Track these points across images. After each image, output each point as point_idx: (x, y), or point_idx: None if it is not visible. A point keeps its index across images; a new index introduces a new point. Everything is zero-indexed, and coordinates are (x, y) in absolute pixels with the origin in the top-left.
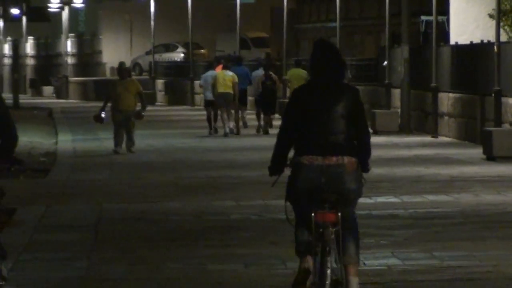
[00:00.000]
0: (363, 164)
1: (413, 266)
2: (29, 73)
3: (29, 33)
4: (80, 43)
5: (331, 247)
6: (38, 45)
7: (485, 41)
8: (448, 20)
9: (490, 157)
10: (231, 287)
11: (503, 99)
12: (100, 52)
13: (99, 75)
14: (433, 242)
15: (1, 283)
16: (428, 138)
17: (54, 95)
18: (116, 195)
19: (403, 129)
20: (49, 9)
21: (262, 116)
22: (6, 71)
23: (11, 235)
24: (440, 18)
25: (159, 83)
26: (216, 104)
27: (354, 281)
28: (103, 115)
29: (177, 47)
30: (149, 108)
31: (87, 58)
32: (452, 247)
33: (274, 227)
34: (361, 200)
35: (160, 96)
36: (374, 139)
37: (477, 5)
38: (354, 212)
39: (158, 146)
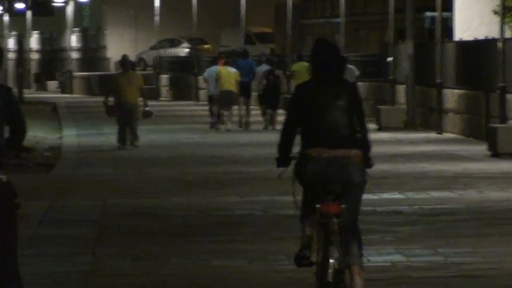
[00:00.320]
0: (367, 159)
1: (417, 262)
2: (33, 68)
3: (33, 27)
4: (85, 38)
5: (334, 237)
6: (42, 40)
7: (490, 37)
8: (452, 16)
9: (495, 154)
10: (236, 283)
11: (508, 96)
12: (104, 47)
13: (104, 70)
14: (437, 238)
15: None
16: (432, 135)
17: (58, 89)
18: (120, 190)
19: (408, 125)
20: (53, 4)
21: (267, 111)
22: (11, 66)
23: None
24: (444, 14)
25: (164, 78)
26: (219, 101)
27: (358, 281)
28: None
29: (181, 42)
30: (153, 103)
31: (92, 53)
32: (456, 243)
33: (279, 223)
34: (366, 196)
35: (165, 91)
36: (379, 135)
37: (482, 1)
38: (358, 214)
39: (162, 141)
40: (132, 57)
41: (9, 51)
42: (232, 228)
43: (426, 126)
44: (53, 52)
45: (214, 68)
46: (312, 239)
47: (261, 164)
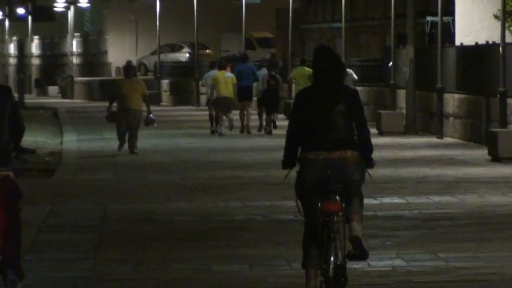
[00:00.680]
0: (367, 161)
1: (417, 267)
2: (34, 73)
3: (34, 32)
4: (86, 43)
5: (336, 234)
6: (43, 45)
7: (491, 42)
8: (453, 21)
9: (495, 158)
10: None
11: (509, 100)
12: (105, 52)
13: (105, 75)
14: (438, 243)
15: None
16: (433, 139)
17: (59, 95)
18: (121, 195)
19: (408, 130)
20: (54, 9)
21: (264, 116)
22: (12, 71)
23: None
24: (445, 19)
25: (165, 83)
26: (217, 106)
27: (356, 226)
28: (114, 114)
29: (182, 47)
30: (154, 108)
31: (93, 58)
32: (457, 248)
33: (280, 228)
34: (366, 201)
35: (165, 96)
36: (380, 140)
37: (483, 6)
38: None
39: (163, 146)
40: (133, 62)
41: (10, 56)
42: (233, 233)
43: (426, 130)
44: (53, 57)
45: (212, 73)
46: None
47: (261, 169)
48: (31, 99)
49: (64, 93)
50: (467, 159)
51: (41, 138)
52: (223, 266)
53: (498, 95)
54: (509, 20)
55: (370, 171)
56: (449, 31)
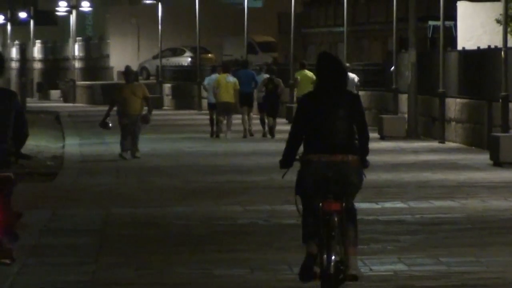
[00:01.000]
0: (362, 161)
1: (419, 271)
2: (36, 77)
3: (36, 36)
4: (88, 47)
5: (336, 232)
6: (45, 49)
7: (492, 46)
8: (455, 25)
9: (497, 163)
10: None
11: (511, 105)
12: (107, 56)
13: (107, 79)
14: (439, 247)
15: (9, 262)
16: (435, 144)
17: (61, 99)
18: (122, 200)
19: (410, 135)
20: (56, 13)
21: (266, 121)
22: (14, 75)
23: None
24: (447, 23)
25: (166, 87)
26: (217, 110)
27: (353, 260)
28: (109, 123)
29: (184, 52)
30: (156, 112)
31: (95, 62)
32: (459, 253)
33: (281, 232)
34: (368, 205)
35: (167, 100)
36: (381, 144)
37: (484, 11)
38: (353, 204)
39: (165, 150)
40: (135, 66)
41: (12, 60)
42: (234, 237)
43: (428, 135)
44: (55, 61)
45: (214, 77)
46: (315, 257)
47: (263, 173)
48: (33, 103)
49: (66, 97)
50: (469, 163)
51: (43, 142)
52: (224, 270)
53: (500, 100)
54: (511, 24)
55: (365, 171)
56: (451, 36)
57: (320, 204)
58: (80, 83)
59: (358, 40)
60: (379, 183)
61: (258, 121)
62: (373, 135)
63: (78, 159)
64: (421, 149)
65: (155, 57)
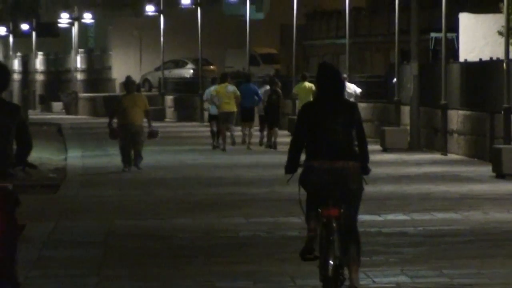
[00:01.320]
0: (364, 168)
1: (422, 283)
2: (38, 89)
3: (38, 48)
4: (90, 59)
5: (334, 237)
6: (47, 61)
7: (494, 58)
8: (457, 37)
9: (500, 175)
10: None
11: None
12: (109, 68)
13: (109, 91)
14: (442, 259)
15: None
16: (437, 156)
17: (63, 111)
18: (125, 212)
19: (413, 147)
20: (58, 25)
21: (265, 132)
22: (16, 87)
23: (20, 251)
24: (449, 35)
25: (169, 99)
26: (218, 121)
27: (356, 278)
28: (115, 129)
29: (186, 63)
30: (158, 124)
31: (97, 74)
32: (461, 265)
33: (283, 244)
34: (370, 217)
35: (170, 112)
36: (384, 156)
37: (486, 23)
38: (356, 218)
39: (167, 162)
40: (137, 78)
41: (14, 72)
42: (236, 250)
43: (431, 147)
44: (58, 73)
45: (214, 88)
46: (317, 233)
47: (265, 185)
48: (35, 115)
49: (68, 109)
50: (471, 175)
51: (46, 154)
52: (227, 283)
53: (502, 112)
54: None
55: (366, 177)
56: (453, 48)
57: (320, 210)
58: (82, 95)
59: (360, 52)
60: (381, 195)
61: (257, 133)
62: (375, 147)
63: (80, 171)
64: (424, 161)
65: (157, 69)
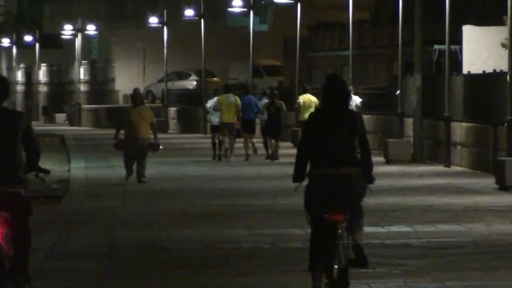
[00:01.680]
0: (368, 177)
1: None
2: (41, 100)
3: (42, 60)
4: (93, 70)
5: (340, 242)
6: (51, 72)
7: (498, 70)
8: (461, 49)
9: (503, 187)
10: None
11: None
12: (113, 79)
13: (112, 102)
14: (445, 272)
15: None
16: (440, 168)
17: (66, 122)
18: (128, 223)
19: (416, 158)
20: (62, 36)
21: (269, 145)
22: (19, 98)
23: None
24: (453, 47)
25: (172, 110)
26: (220, 132)
27: (358, 236)
28: (120, 140)
29: (189, 75)
30: (161, 136)
31: (100, 86)
32: (465, 277)
33: (286, 256)
34: (373, 229)
35: (173, 123)
36: (387, 168)
37: (490, 35)
38: (361, 205)
39: (170, 174)
40: (140, 89)
41: (17, 83)
42: (239, 261)
43: (434, 159)
44: (61, 85)
45: (216, 99)
46: (322, 282)
47: (268, 197)
48: (38, 126)
49: (71, 121)
50: (475, 187)
51: (49, 165)
52: None
53: (506, 124)
54: None
55: (371, 186)
56: (456, 60)
57: (326, 215)
58: (85, 106)
59: (363, 64)
60: (384, 207)
61: (262, 145)
62: (378, 159)
63: (83, 182)
64: (427, 173)
65: (160, 81)
